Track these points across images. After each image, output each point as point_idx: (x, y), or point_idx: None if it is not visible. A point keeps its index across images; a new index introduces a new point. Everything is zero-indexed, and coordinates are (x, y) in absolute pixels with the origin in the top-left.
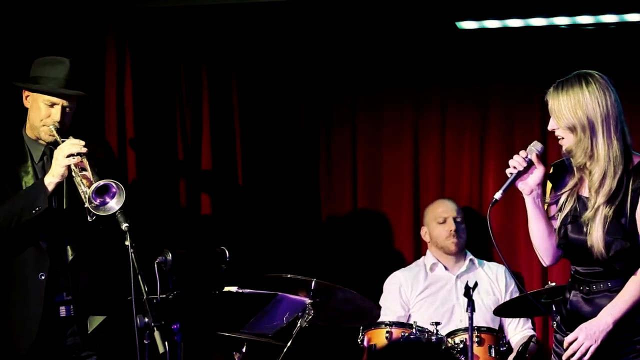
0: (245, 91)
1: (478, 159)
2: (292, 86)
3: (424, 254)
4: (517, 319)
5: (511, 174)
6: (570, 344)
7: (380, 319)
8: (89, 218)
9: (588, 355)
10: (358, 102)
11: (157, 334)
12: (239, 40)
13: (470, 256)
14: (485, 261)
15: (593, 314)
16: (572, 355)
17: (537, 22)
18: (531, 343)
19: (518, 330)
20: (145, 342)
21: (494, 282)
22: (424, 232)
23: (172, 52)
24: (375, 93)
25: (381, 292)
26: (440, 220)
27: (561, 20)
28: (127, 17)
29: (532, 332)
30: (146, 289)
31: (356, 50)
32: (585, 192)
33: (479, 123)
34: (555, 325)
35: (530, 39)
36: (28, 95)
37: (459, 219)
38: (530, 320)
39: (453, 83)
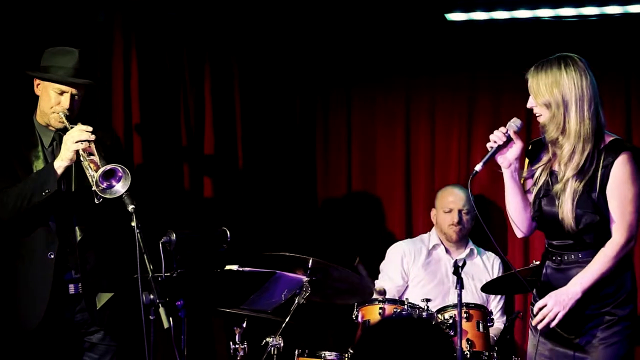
0: (246, 80)
1: (466, 144)
2: (290, 76)
3: (415, 235)
4: (497, 308)
5: (491, 147)
6: (540, 309)
7: (377, 282)
8: (96, 200)
9: (556, 321)
10: (353, 90)
11: (162, 310)
12: (240, 31)
13: (471, 245)
14: (483, 250)
15: (564, 284)
16: (542, 320)
17: (522, 14)
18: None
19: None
20: (151, 317)
21: (489, 271)
22: (433, 214)
23: (176, 43)
24: (369, 82)
25: (375, 270)
26: (446, 209)
27: (544, 13)
28: (133, 9)
29: (502, 326)
30: (151, 267)
31: (351, 42)
32: (557, 166)
33: (466, 110)
34: (533, 297)
35: (515, 30)
36: (39, 84)
37: (465, 210)
38: (505, 316)
39: (442, 72)
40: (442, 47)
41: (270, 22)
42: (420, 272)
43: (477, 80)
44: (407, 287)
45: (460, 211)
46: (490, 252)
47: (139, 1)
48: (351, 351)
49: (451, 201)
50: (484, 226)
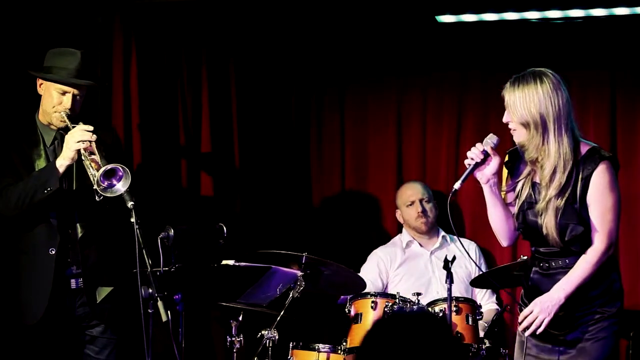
0: (242, 80)
1: (454, 143)
2: (285, 76)
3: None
4: (484, 292)
5: (469, 165)
6: (526, 317)
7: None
8: (97, 198)
9: (542, 327)
10: (346, 90)
11: (160, 304)
12: (237, 32)
13: (442, 233)
14: (456, 237)
15: (551, 288)
16: (528, 327)
17: (510, 16)
18: (505, 311)
19: (484, 302)
20: (150, 311)
21: (465, 255)
22: (399, 214)
23: (174, 43)
24: (362, 82)
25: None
26: (408, 203)
27: (532, 15)
28: (133, 11)
29: (496, 306)
30: (150, 262)
31: (345, 43)
32: (538, 179)
33: (456, 110)
34: (520, 299)
35: (504, 31)
36: (42, 84)
37: (425, 199)
38: (495, 295)
39: (433, 73)
40: (432, 48)
41: (266, 24)
42: (400, 270)
43: (467, 80)
44: (387, 286)
45: (421, 200)
46: (464, 239)
47: (138, 3)
48: (344, 343)
49: (410, 194)
50: (452, 226)
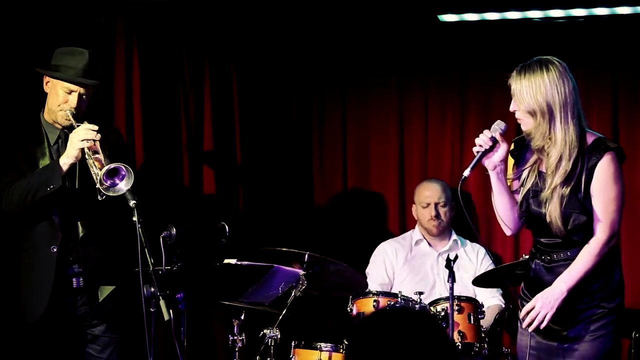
0: (244, 79)
1: (458, 141)
2: (287, 76)
3: (409, 230)
4: (488, 291)
5: (478, 152)
6: (528, 312)
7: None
8: (99, 197)
9: (545, 322)
10: (347, 89)
11: (162, 303)
12: (238, 32)
13: (454, 236)
14: (468, 241)
15: (553, 281)
16: (531, 323)
17: (512, 15)
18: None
19: (487, 296)
20: (152, 310)
21: (473, 261)
22: (414, 210)
23: (176, 43)
24: (363, 80)
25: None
26: (424, 204)
27: (534, 14)
28: (135, 11)
29: (499, 300)
30: (152, 261)
31: (346, 43)
32: (544, 168)
33: (458, 107)
34: (521, 291)
35: (506, 30)
36: (48, 81)
37: (441, 204)
38: (501, 291)
39: (435, 71)
40: (434, 47)
41: (268, 24)
42: (405, 267)
43: (469, 79)
44: (392, 284)
45: (437, 204)
46: (474, 243)
47: (140, 3)
48: (346, 342)
49: (427, 196)
50: (466, 216)
